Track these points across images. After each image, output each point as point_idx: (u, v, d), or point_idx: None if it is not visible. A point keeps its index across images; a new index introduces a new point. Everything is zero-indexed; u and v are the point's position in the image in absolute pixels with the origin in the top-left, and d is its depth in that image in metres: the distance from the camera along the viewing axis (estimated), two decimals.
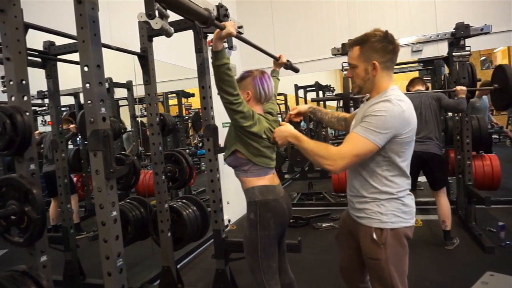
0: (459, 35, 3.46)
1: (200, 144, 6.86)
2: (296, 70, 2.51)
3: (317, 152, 1.39)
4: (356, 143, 1.35)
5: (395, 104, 1.35)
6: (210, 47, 2.18)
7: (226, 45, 2.16)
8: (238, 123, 1.62)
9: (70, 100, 4.37)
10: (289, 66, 2.37)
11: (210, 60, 2.32)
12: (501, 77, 3.34)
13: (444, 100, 3.26)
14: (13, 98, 1.48)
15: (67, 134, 3.68)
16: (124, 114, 4.71)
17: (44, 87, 2.94)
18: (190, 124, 7.10)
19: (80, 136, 4.14)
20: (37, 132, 3.74)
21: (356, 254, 1.61)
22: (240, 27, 2.29)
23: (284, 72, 2.31)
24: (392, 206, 1.43)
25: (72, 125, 3.82)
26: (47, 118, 4.10)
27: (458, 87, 3.29)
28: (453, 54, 3.47)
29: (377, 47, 1.43)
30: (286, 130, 1.53)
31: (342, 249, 1.75)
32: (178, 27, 2.31)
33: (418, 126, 3.24)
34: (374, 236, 1.43)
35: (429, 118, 3.23)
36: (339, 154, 1.34)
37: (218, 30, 1.54)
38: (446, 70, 4.65)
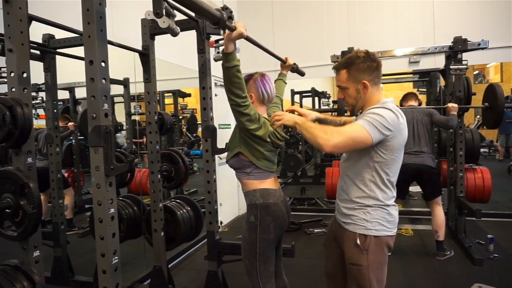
0: (457, 48, 3.51)
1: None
2: (301, 74, 2.51)
3: (318, 128, 1.42)
4: (355, 129, 1.39)
5: (392, 110, 1.43)
6: (213, 48, 2.19)
7: None
8: (244, 126, 1.62)
9: (64, 95, 4.33)
10: (295, 69, 2.37)
11: (212, 61, 2.34)
12: (492, 96, 3.43)
13: (435, 116, 3.33)
14: (13, 90, 1.46)
15: (64, 132, 3.62)
16: (118, 111, 4.68)
17: (37, 80, 2.90)
18: (184, 125, 7.06)
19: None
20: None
21: (339, 259, 1.66)
22: None
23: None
24: (378, 215, 1.49)
25: (70, 123, 3.74)
26: (40, 111, 4.04)
27: (450, 104, 3.37)
28: (450, 67, 3.52)
29: (363, 68, 1.50)
30: (297, 118, 1.52)
31: (328, 254, 1.78)
32: (181, 26, 2.29)
33: (411, 140, 3.31)
34: (358, 241, 1.49)
35: (421, 133, 3.30)
36: (336, 131, 1.38)
37: (228, 31, 1.53)
38: (441, 82, 4.71)
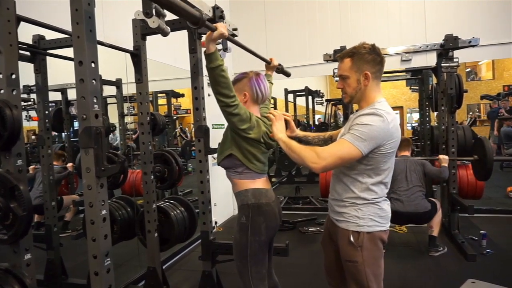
0: (448, 46, 3.54)
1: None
2: (287, 74, 2.51)
3: (304, 149, 1.46)
4: (342, 146, 1.41)
5: (381, 116, 1.42)
6: (204, 48, 2.18)
7: (220, 46, 2.16)
8: (235, 126, 1.60)
9: (57, 96, 4.29)
10: (280, 69, 2.36)
11: (204, 61, 2.33)
12: (481, 150, 3.40)
13: (427, 167, 3.38)
14: (2, 92, 1.45)
15: (62, 173, 3.50)
16: (111, 112, 4.65)
17: (28, 81, 2.86)
18: (179, 139, 6.91)
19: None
20: (31, 167, 3.53)
21: (336, 256, 1.67)
22: (235, 29, 2.28)
23: (274, 76, 2.32)
24: (369, 211, 1.50)
25: (69, 164, 3.55)
26: (32, 113, 3.99)
27: (441, 156, 3.43)
28: (442, 64, 3.55)
29: (367, 58, 1.50)
30: (283, 133, 1.58)
31: (325, 252, 1.80)
32: (173, 26, 2.28)
33: (404, 187, 3.28)
34: (351, 238, 1.50)
35: (414, 181, 3.31)
36: (324, 153, 1.40)
37: (209, 31, 1.52)
38: (434, 80, 4.75)
